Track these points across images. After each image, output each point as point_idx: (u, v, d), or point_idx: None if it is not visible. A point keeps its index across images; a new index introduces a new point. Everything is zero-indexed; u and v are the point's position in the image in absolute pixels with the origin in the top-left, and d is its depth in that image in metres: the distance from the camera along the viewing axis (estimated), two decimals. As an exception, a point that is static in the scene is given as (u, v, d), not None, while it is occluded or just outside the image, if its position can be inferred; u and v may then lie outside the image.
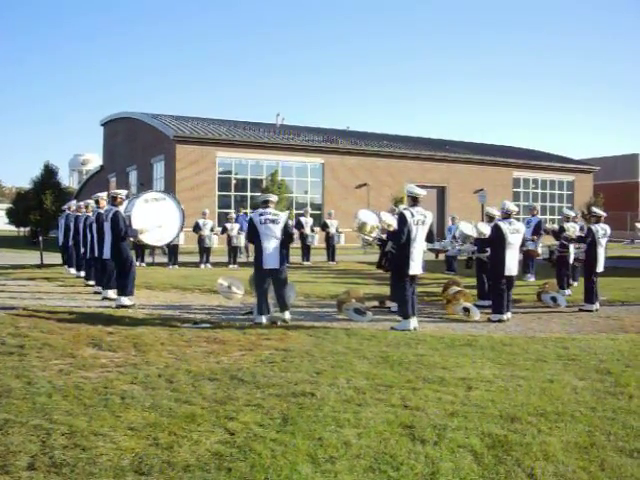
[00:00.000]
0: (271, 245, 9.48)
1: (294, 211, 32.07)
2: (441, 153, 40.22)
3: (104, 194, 13.18)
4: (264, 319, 9.42)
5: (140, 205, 11.69)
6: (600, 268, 11.61)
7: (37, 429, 4.50)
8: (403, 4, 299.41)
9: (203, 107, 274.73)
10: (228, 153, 33.18)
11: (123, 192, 11.95)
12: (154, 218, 11.63)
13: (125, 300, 10.93)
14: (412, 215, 9.19)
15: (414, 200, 9.48)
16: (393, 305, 10.81)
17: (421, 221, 9.25)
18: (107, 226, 11.38)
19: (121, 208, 11.38)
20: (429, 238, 9.62)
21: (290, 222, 10.51)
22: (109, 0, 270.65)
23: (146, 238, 11.67)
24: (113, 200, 11.52)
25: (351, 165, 36.35)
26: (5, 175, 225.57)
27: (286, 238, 9.75)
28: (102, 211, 12.12)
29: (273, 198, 9.93)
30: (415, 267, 9.28)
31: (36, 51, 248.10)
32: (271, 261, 9.50)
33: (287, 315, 9.62)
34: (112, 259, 11.50)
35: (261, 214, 9.58)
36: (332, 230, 22.27)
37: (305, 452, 4.19)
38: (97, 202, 12.73)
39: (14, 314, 9.64)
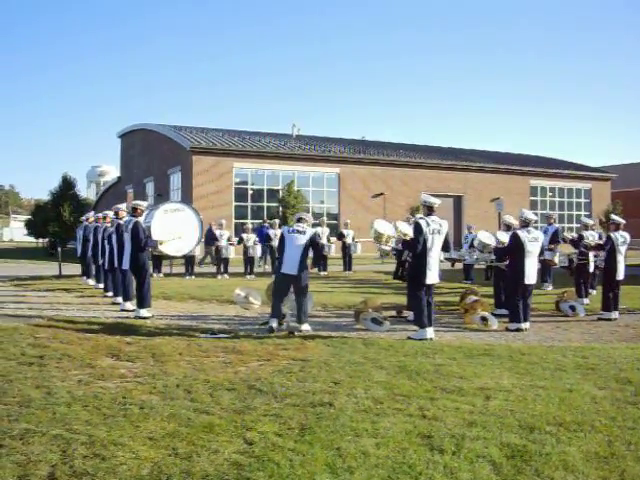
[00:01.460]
0: (293, 252, 9.64)
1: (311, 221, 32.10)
2: (457, 162, 40.11)
3: (123, 205, 13.28)
4: (274, 323, 9.59)
5: (159, 216, 11.76)
6: (620, 276, 11.52)
7: (57, 439, 4.53)
8: (421, 22, 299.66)
9: (219, 118, 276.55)
10: (244, 164, 33.32)
11: (144, 203, 12.03)
12: (173, 229, 11.69)
13: (144, 312, 11.00)
14: (427, 224, 9.19)
15: (429, 209, 9.48)
16: (410, 315, 10.79)
17: (437, 230, 9.24)
18: (127, 237, 11.44)
19: (140, 219, 11.45)
20: (445, 247, 9.61)
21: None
22: (127, 14, 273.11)
23: (166, 249, 11.72)
24: (134, 211, 11.59)
25: (367, 175, 36.35)
26: (24, 187, 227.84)
27: (315, 251, 10.17)
28: (122, 222, 12.20)
29: (306, 216, 10.25)
30: (432, 276, 9.27)
31: (54, 65, 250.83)
32: (289, 266, 9.60)
33: (304, 327, 9.62)
34: (131, 270, 11.57)
35: (292, 227, 10.00)
36: (348, 240, 22.24)
37: (323, 462, 4.19)
38: (116, 213, 12.83)
39: (33, 325, 9.71)
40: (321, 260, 9.59)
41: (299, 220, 10.09)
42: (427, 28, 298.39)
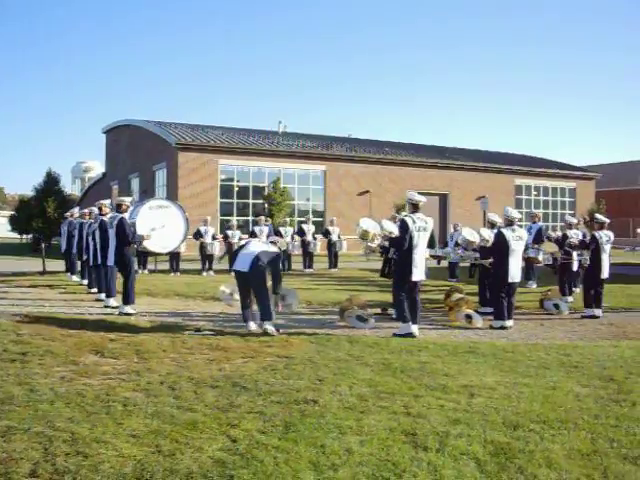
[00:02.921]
0: (249, 248, 9.44)
1: (296, 218, 32.10)
2: (443, 160, 40.21)
3: (107, 201, 13.20)
4: (250, 325, 9.35)
5: (144, 212, 11.72)
6: (605, 275, 11.60)
7: (39, 436, 4.50)
8: (406, 16, 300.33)
9: (205, 115, 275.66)
10: (230, 160, 33.21)
11: (128, 199, 12.00)
12: (158, 225, 11.64)
13: (128, 308, 10.95)
14: (413, 222, 9.22)
15: (415, 207, 9.51)
16: (395, 312, 10.81)
17: (422, 227, 9.28)
18: (112, 233, 11.37)
19: (126, 215, 11.39)
20: (430, 244, 9.64)
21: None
22: (112, 11, 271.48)
23: (151, 245, 11.67)
24: (118, 207, 11.53)
25: (353, 172, 36.35)
26: (8, 182, 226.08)
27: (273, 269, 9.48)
28: (105, 218, 12.14)
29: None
30: (418, 273, 9.30)
31: (39, 60, 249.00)
32: (239, 263, 9.34)
33: (266, 325, 9.08)
34: (116, 266, 11.52)
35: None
36: (334, 237, 22.25)
37: (307, 459, 4.19)
38: (100, 209, 12.75)
39: (16, 321, 9.65)
40: (281, 246, 9.43)
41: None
42: (412, 23, 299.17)
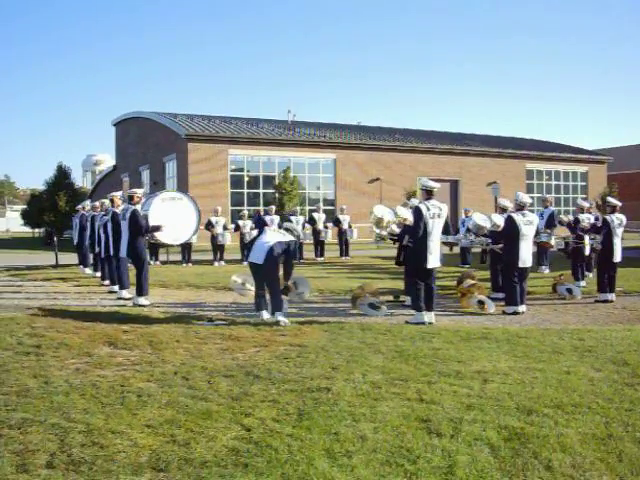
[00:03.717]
0: (264, 239, 9.42)
1: (307, 207, 32.08)
2: (453, 146, 40.06)
3: (119, 193, 13.23)
4: (263, 314, 9.34)
5: (157, 204, 11.75)
6: (617, 258, 11.52)
7: (55, 428, 4.54)
8: (418, 6, 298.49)
9: (214, 106, 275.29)
10: (240, 150, 33.23)
11: (140, 191, 12.03)
12: (171, 217, 11.67)
13: (142, 300, 10.99)
14: (427, 209, 9.17)
15: (428, 193, 9.45)
16: (408, 299, 10.81)
17: (437, 214, 9.22)
18: (124, 225, 11.40)
19: (138, 207, 11.41)
20: (445, 230, 9.59)
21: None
22: (121, 4, 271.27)
23: (163, 237, 11.71)
24: (130, 199, 11.55)
25: (363, 160, 36.30)
26: (19, 177, 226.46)
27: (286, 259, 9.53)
28: (117, 210, 12.18)
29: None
30: (433, 260, 9.26)
31: (47, 53, 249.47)
32: (254, 255, 9.38)
33: (278, 317, 9.04)
34: (129, 257, 11.56)
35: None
36: (345, 225, 22.23)
37: (321, 447, 4.20)
38: (112, 201, 12.78)
39: (30, 314, 9.71)
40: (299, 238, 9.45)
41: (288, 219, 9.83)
42: (424, 12, 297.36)
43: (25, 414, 4.83)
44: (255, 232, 20.67)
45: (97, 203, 16.24)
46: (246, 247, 20.50)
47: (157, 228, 11.35)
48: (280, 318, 9.00)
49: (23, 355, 6.91)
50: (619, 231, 11.55)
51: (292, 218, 21.26)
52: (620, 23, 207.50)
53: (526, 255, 10.27)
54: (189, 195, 13.22)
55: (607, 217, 11.63)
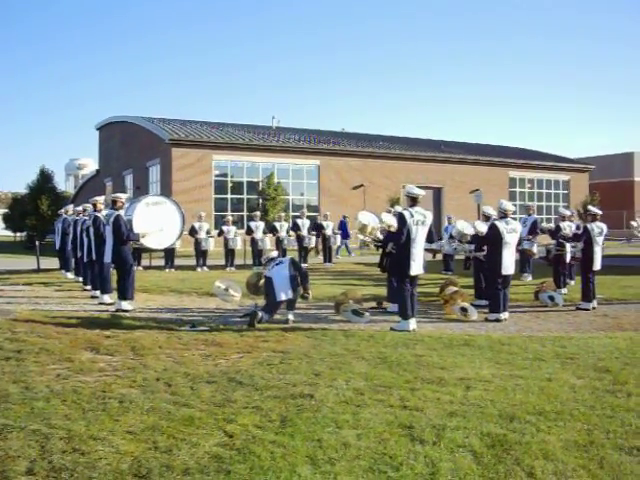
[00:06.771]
0: (281, 273, 9.88)
1: (291, 213, 32.07)
2: (437, 153, 40.25)
3: (101, 198, 13.16)
4: (289, 316, 9.88)
5: (141, 209, 11.68)
6: (597, 266, 11.63)
7: (36, 434, 4.49)
8: (399, 9, 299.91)
9: (198, 111, 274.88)
10: (224, 156, 33.17)
11: (124, 195, 11.95)
12: (155, 222, 11.61)
13: (126, 304, 10.92)
14: (411, 215, 9.18)
15: (413, 200, 9.47)
16: (390, 306, 10.83)
17: (421, 221, 9.24)
18: (108, 230, 11.30)
19: (121, 212, 11.34)
20: (430, 238, 9.62)
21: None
22: (104, 9, 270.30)
23: (147, 242, 11.64)
24: (114, 204, 11.46)
25: (347, 166, 36.35)
26: (1, 180, 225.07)
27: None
28: (99, 215, 12.10)
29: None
30: (416, 267, 9.27)
31: (31, 58, 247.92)
32: (283, 293, 9.79)
33: (289, 315, 9.85)
34: (113, 263, 11.48)
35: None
36: (328, 232, 22.23)
37: (304, 454, 4.19)
38: (94, 206, 12.70)
39: (11, 319, 9.62)
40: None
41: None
42: (406, 16, 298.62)
43: (5, 420, 4.77)
44: (239, 239, 20.73)
45: (80, 208, 16.14)
46: (229, 253, 20.53)
47: (137, 237, 11.27)
48: (290, 317, 9.87)
49: (3, 360, 6.84)
50: (600, 240, 11.66)
51: (276, 224, 21.28)
52: (605, 29, 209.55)
53: (508, 262, 10.32)
54: (173, 199, 13.17)
55: (588, 225, 11.73)
